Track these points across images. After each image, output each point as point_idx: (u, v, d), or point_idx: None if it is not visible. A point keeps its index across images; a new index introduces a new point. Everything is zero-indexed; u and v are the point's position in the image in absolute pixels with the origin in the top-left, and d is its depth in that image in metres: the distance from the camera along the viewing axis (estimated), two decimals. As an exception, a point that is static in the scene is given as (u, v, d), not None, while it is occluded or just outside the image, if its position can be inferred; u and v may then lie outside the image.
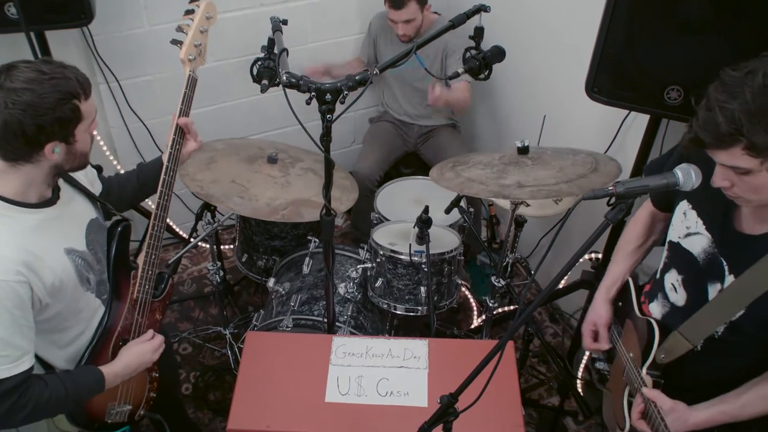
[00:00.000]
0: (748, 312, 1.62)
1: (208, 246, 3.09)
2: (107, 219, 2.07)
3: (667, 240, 1.88)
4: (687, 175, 1.49)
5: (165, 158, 2.08)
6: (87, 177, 2.03)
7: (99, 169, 2.18)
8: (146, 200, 2.23)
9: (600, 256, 3.01)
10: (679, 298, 1.84)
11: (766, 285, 1.55)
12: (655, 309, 1.94)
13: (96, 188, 2.08)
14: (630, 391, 1.93)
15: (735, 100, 1.39)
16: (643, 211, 2.11)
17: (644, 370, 1.86)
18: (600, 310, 2.06)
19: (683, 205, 1.81)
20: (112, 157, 3.53)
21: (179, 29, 2.15)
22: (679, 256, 1.82)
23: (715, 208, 1.70)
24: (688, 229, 1.79)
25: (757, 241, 1.60)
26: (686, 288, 1.80)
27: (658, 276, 1.94)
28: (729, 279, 1.66)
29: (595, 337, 2.10)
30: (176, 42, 2.14)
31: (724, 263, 1.67)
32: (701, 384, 1.82)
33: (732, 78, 1.43)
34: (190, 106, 2.12)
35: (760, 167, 1.44)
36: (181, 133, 2.10)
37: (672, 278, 1.85)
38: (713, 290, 1.71)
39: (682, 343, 1.77)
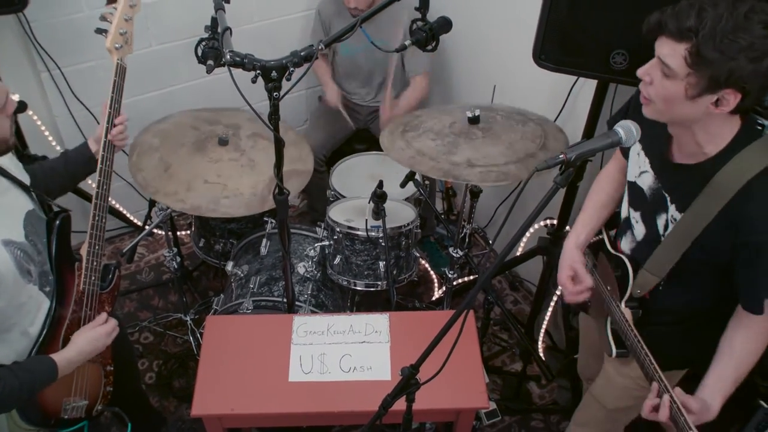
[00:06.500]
0: (694, 244, 1.72)
1: (164, 233, 3.05)
2: (45, 210, 2.03)
3: (627, 180, 1.98)
4: (628, 132, 1.57)
5: (99, 147, 2.05)
6: (17, 168, 1.98)
7: (44, 159, 2.13)
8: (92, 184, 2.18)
9: (555, 222, 3.04)
10: (639, 232, 1.94)
11: (705, 220, 1.66)
12: (625, 245, 2.03)
13: (25, 181, 2.03)
14: (612, 320, 2.02)
15: (714, 9, 1.45)
16: (611, 165, 2.17)
17: (623, 304, 1.96)
18: (573, 254, 2.08)
19: (636, 147, 1.91)
20: (59, 148, 3.43)
21: (103, 18, 2.11)
22: (635, 194, 1.93)
23: (655, 145, 1.81)
24: (640, 168, 1.89)
25: (690, 170, 1.70)
26: (643, 222, 1.90)
27: (623, 214, 2.03)
28: (671, 208, 1.77)
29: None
30: (101, 31, 2.10)
31: (666, 195, 1.78)
32: (668, 316, 1.94)
33: None
34: (122, 94, 2.09)
35: (683, 78, 1.52)
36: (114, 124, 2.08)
37: (633, 215, 1.95)
38: (661, 221, 1.82)
39: (650, 278, 1.87)
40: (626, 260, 1.97)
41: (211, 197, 2.56)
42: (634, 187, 1.93)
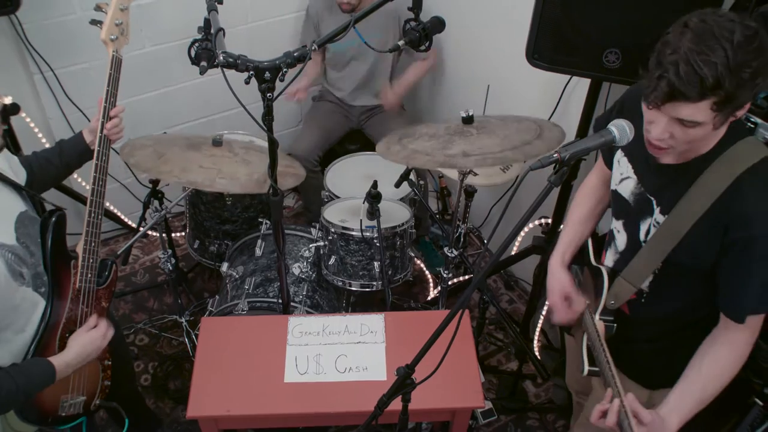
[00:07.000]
0: (679, 246, 1.68)
1: (158, 234, 3.05)
2: (38, 210, 2.02)
3: (610, 189, 1.94)
4: (622, 131, 1.54)
5: (93, 137, 2.04)
6: (12, 168, 1.96)
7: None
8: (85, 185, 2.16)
9: (550, 221, 3.05)
10: (621, 242, 1.90)
11: (691, 220, 1.62)
12: (609, 257, 1.99)
13: (21, 177, 2.01)
14: (588, 336, 1.96)
15: (715, 54, 1.39)
16: (593, 175, 2.13)
17: (597, 316, 1.91)
18: (562, 277, 2.03)
19: (618, 154, 1.87)
20: (52, 150, 3.44)
21: (98, 8, 2.07)
22: (617, 203, 1.89)
23: (638, 148, 1.72)
24: (622, 175, 1.85)
25: (677, 170, 1.65)
26: (625, 231, 1.87)
27: (610, 226, 1.99)
28: (656, 211, 1.72)
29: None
30: (96, 22, 2.06)
31: (651, 198, 1.74)
32: (651, 331, 1.90)
33: (702, 29, 1.42)
34: (117, 87, 2.06)
35: (712, 121, 1.47)
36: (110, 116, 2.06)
37: (616, 225, 1.92)
38: (644, 227, 1.78)
39: (627, 287, 1.83)
40: (604, 271, 1.93)
41: (206, 176, 2.52)
42: (615, 196, 1.89)
